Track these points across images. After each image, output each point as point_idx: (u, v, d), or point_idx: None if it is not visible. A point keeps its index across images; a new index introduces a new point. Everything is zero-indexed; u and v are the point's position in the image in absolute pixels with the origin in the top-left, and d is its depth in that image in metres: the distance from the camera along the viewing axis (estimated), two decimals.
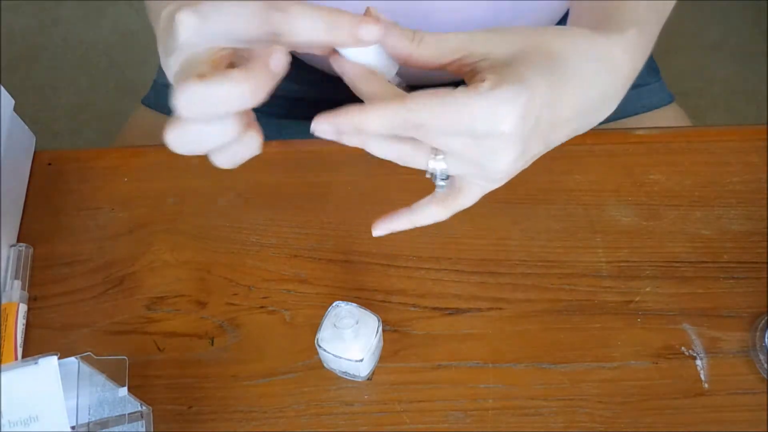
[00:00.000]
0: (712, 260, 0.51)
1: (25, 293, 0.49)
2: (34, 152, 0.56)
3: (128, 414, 0.42)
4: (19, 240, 0.52)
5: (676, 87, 0.72)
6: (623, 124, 0.67)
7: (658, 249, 0.51)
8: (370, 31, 0.34)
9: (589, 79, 0.36)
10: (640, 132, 0.57)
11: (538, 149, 0.36)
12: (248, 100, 0.35)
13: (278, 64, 0.35)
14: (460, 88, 0.32)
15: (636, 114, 0.68)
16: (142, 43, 1.62)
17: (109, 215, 0.53)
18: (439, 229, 0.52)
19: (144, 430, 0.42)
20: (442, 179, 0.37)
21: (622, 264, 0.51)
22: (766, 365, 0.46)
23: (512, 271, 0.50)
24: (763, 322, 0.48)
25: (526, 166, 0.36)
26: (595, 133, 0.54)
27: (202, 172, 0.55)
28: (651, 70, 0.72)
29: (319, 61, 0.70)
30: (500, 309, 0.49)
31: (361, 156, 0.55)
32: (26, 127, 0.55)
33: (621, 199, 0.53)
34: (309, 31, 0.35)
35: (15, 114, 0.52)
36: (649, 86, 0.70)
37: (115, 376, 0.43)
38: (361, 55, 0.36)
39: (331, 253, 0.51)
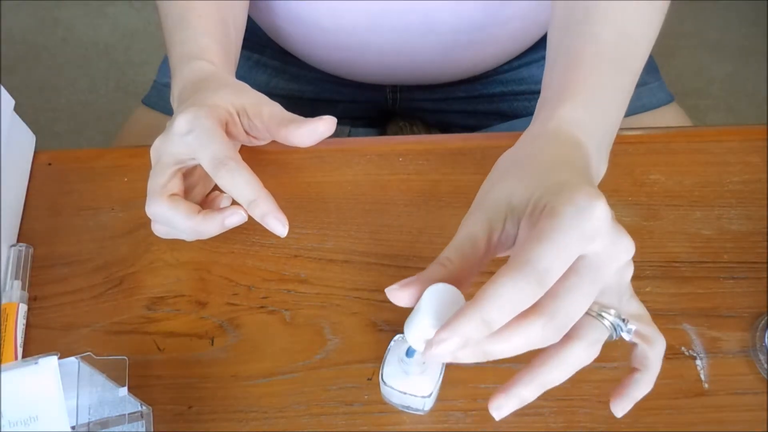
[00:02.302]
0: (712, 260, 0.51)
1: (25, 293, 0.49)
2: (34, 152, 0.56)
3: (128, 414, 0.42)
4: (19, 240, 0.52)
5: (676, 87, 0.72)
6: (623, 124, 0.67)
7: (658, 249, 0.51)
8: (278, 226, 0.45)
9: (567, 164, 0.39)
10: (640, 132, 0.57)
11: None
12: (192, 237, 0.48)
13: (232, 223, 0.47)
14: (541, 222, 0.33)
15: (635, 114, 0.68)
16: (142, 43, 1.62)
17: (109, 215, 0.53)
18: (439, 229, 0.52)
19: (144, 430, 0.42)
20: (622, 319, 0.36)
21: None
22: (766, 365, 0.46)
23: None
24: (763, 322, 0.48)
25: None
26: None
27: None
28: (650, 69, 0.72)
29: (318, 60, 0.70)
30: None
31: (360, 156, 0.55)
32: (26, 127, 0.55)
33: (621, 199, 0.53)
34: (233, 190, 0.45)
35: (15, 114, 0.52)
36: (648, 86, 0.70)
37: (115, 376, 0.43)
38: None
39: (331, 253, 0.51)
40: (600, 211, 0.33)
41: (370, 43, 0.64)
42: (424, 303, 0.33)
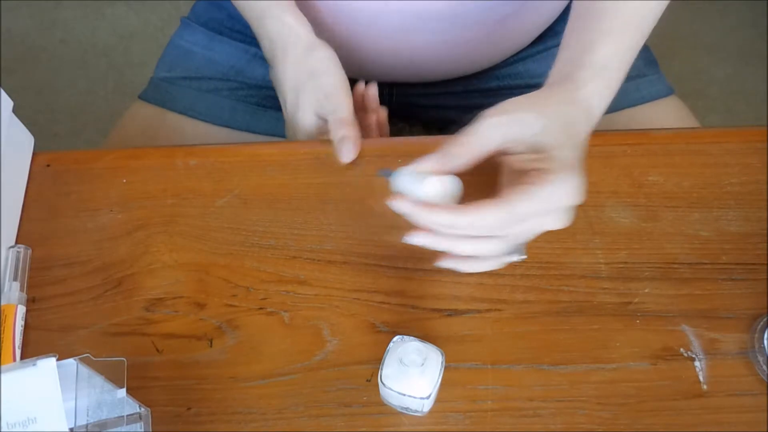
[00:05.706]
0: (711, 262, 0.51)
1: (24, 295, 0.49)
2: (33, 153, 0.56)
3: (127, 415, 0.42)
4: (17, 241, 0.52)
5: (674, 88, 0.72)
6: (623, 115, 0.67)
7: (657, 250, 0.51)
8: None
9: (583, 132, 0.48)
10: (639, 133, 0.57)
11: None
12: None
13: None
14: (534, 182, 0.42)
15: (635, 105, 0.68)
16: (141, 45, 1.61)
17: (108, 216, 0.53)
18: None
19: (142, 431, 0.42)
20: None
21: (620, 265, 0.51)
22: (764, 367, 0.46)
23: (511, 273, 0.50)
24: (761, 323, 0.48)
25: None
26: (594, 134, 0.54)
27: (201, 173, 0.55)
28: (649, 62, 0.72)
29: None
30: (499, 310, 0.49)
31: (360, 157, 0.55)
32: (25, 128, 0.55)
33: (620, 201, 0.53)
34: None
35: (14, 115, 0.52)
36: (647, 77, 0.70)
37: (114, 377, 0.43)
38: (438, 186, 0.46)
39: (330, 254, 0.51)
40: (575, 201, 0.43)
41: (367, 41, 0.64)
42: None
